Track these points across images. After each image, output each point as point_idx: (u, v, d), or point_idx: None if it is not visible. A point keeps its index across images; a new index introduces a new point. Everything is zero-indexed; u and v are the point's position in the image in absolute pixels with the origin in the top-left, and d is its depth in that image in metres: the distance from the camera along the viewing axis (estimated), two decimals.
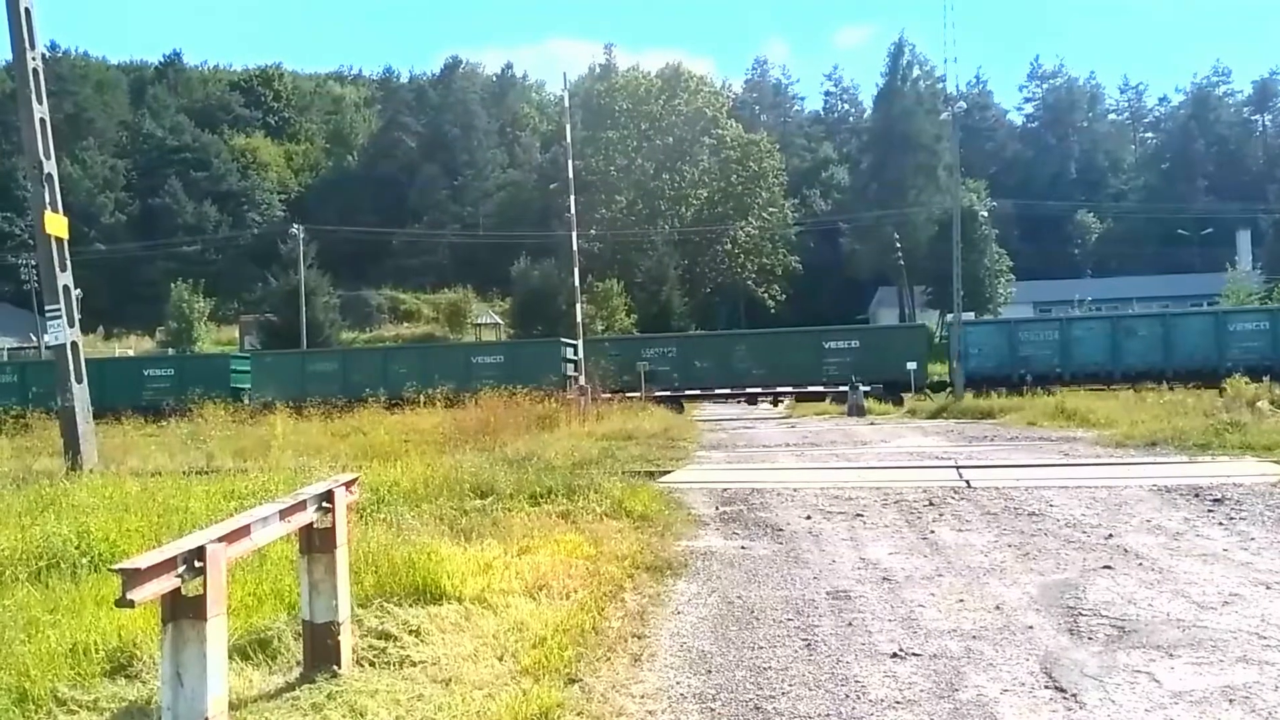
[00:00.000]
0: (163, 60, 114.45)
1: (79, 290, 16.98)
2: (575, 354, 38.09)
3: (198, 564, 3.88)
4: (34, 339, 59.94)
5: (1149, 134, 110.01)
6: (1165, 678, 5.07)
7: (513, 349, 43.34)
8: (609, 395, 27.61)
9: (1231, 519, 9.35)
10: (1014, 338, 34.91)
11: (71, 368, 15.67)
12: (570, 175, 32.21)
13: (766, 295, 76.18)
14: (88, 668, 5.24)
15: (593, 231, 70.50)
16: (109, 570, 5.15)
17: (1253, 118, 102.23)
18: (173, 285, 66.79)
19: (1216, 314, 36.56)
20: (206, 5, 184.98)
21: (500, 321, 71.51)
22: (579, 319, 31.73)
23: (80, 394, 15.73)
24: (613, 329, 60.23)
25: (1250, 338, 33.02)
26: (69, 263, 15.96)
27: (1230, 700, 4.73)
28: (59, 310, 15.57)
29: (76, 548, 7.72)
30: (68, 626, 5.76)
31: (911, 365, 34.16)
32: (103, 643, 5.46)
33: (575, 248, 31.72)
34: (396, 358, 42.19)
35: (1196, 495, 10.64)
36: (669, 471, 14.32)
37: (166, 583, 3.75)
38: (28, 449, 19.38)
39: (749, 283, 77.12)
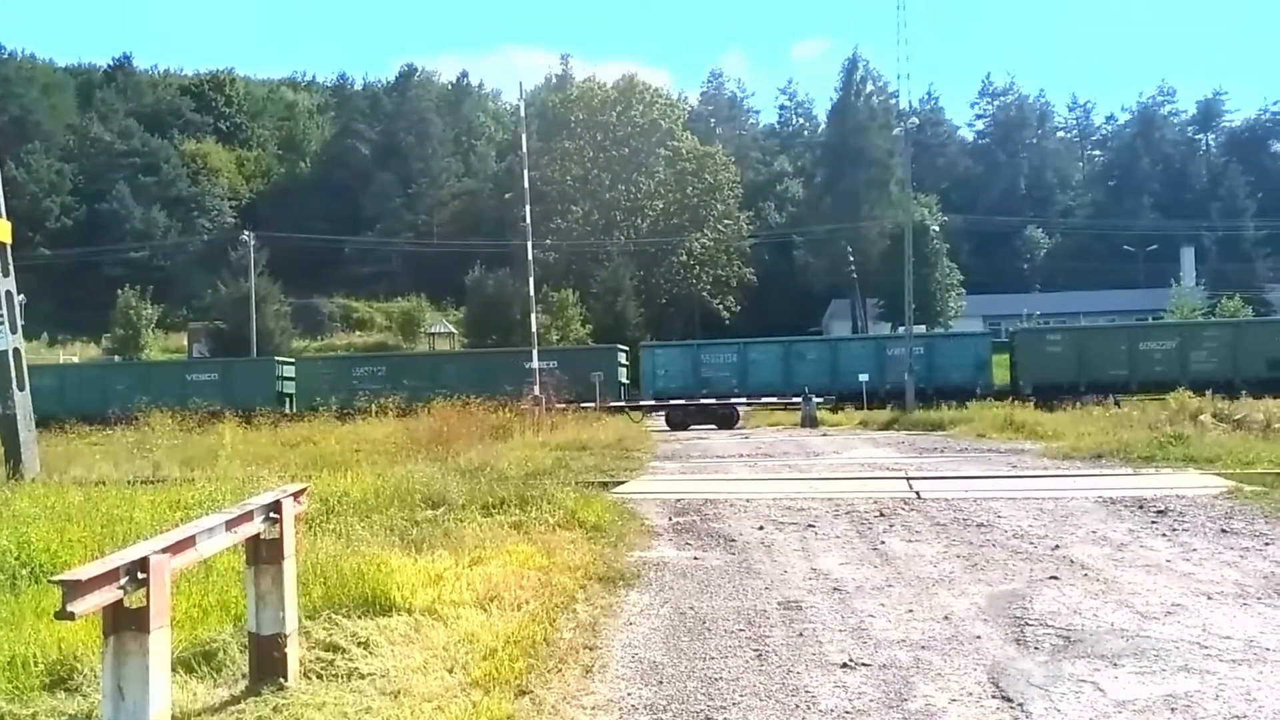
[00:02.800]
0: (111, 63, 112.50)
1: (23, 296, 16.69)
2: (291, 372, 39.15)
3: (141, 575, 3.81)
4: None
5: (1096, 151, 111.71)
6: (1109, 687, 5.15)
7: (227, 367, 44.00)
8: (563, 406, 27.59)
9: (1175, 530, 9.52)
10: (697, 360, 36.99)
11: (14, 375, 15.38)
12: (526, 185, 32.20)
13: (721, 306, 76.45)
14: (26, 680, 5.14)
15: (548, 241, 70.38)
16: (49, 581, 5.05)
17: (1196, 137, 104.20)
18: (120, 292, 65.59)
19: (877, 339, 39.62)
20: (157, 8, 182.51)
21: (454, 331, 71.04)
22: (534, 329, 31.70)
23: (22, 401, 15.45)
24: (568, 339, 60.16)
25: (906, 362, 35.33)
26: (11, 267, 15.67)
27: (1172, 709, 4.80)
28: (1, 316, 15.28)
29: (16, 558, 7.58)
30: (6, 639, 5.64)
31: (864, 377, 34.73)
32: (42, 655, 5.35)
33: (530, 257, 31.70)
34: (116, 375, 42.70)
35: (1141, 507, 10.83)
36: (623, 482, 14.33)
37: (108, 594, 3.68)
38: None
39: (704, 294, 77.33)
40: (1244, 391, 28.80)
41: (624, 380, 37.27)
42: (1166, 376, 33.07)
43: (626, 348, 39.25)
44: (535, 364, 30.06)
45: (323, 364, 43.02)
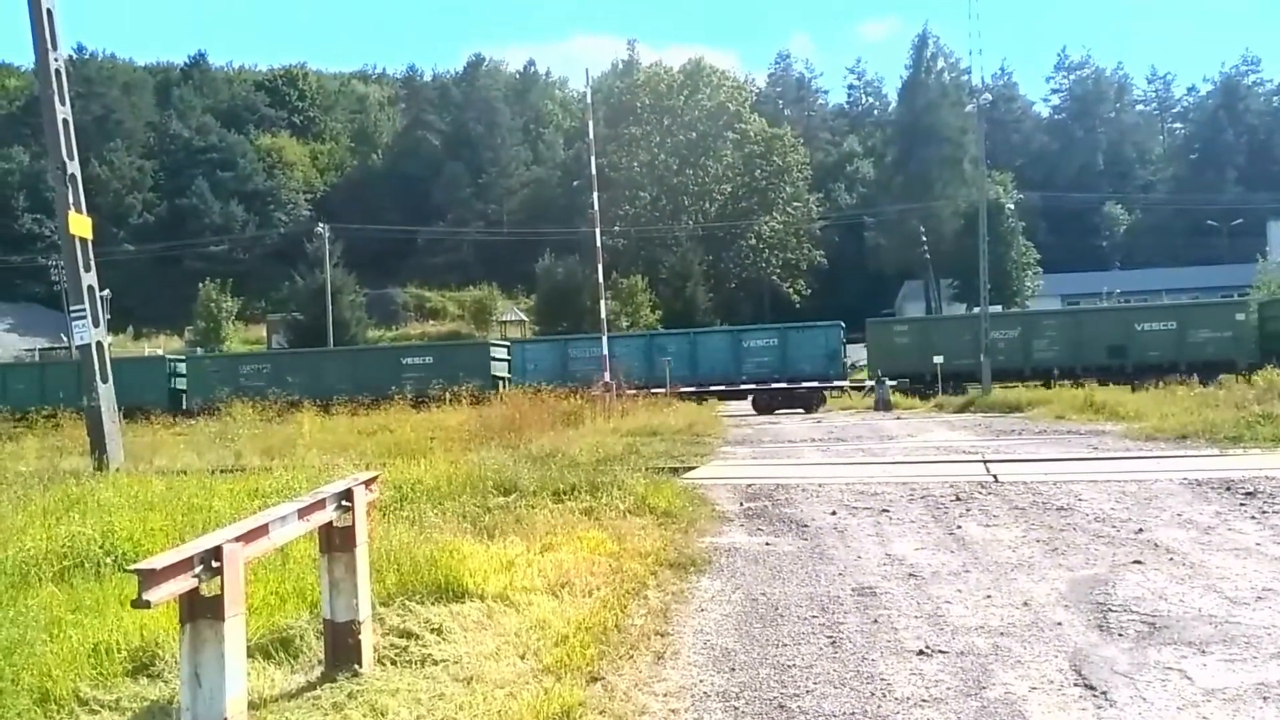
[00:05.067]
0: (188, 61, 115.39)
1: (107, 290, 17.15)
2: (183, 370, 41.54)
3: (215, 564, 3.86)
4: (64, 339, 60.56)
5: (1177, 124, 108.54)
6: (1198, 675, 4.98)
7: (118, 365, 44.78)
8: (634, 392, 27.61)
9: (1264, 513, 9.19)
10: (565, 354, 38.34)
11: (97, 367, 15.79)
12: (593, 172, 32.30)
13: (791, 290, 75.98)
14: (110, 667, 5.25)
15: (616, 228, 70.50)
16: (127, 570, 5.15)
17: None
18: (200, 285, 67.26)
19: (733, 332, 40.29)
20: (231, 6, 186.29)
21: (525, 318, 71.61)
22: (603, 315, 31.74)
23: (106, 393, 15.86)
24: (637, 325, 60.19)
25: (761, 354, 36.75)
26: (93, 263, 16.06)
27: (1265, 698, 4.63)
28: (84, 310, 15.68)
29: (100, 547, 7.74)
30: (90, 626, 5.77)
31: (938, 359, 34.27)
32: (125, 642, 5.46)
33: (599, 244, 31.74)
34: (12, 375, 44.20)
35: (1228, 489, 10.48)
36: (693, 467, 14.26)
37: (183, 583, 3.73)
38: (56, 448, 19.53)
39: (774, 277, 76.91)
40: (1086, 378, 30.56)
41: (500, 374, 37.64)
42: (1010, 365, 34.76)
43: (506, 343, 40.24)
44: (605, 351, 30.13)
45: (211, 362, 44.97)
